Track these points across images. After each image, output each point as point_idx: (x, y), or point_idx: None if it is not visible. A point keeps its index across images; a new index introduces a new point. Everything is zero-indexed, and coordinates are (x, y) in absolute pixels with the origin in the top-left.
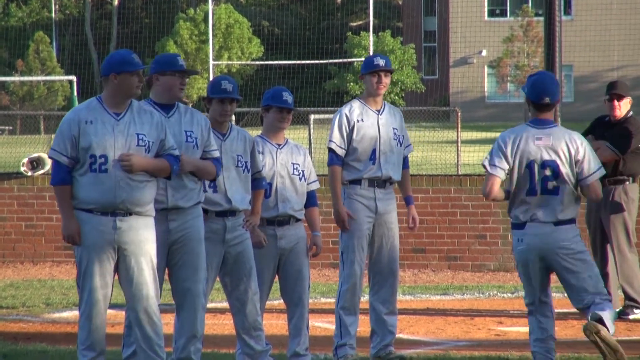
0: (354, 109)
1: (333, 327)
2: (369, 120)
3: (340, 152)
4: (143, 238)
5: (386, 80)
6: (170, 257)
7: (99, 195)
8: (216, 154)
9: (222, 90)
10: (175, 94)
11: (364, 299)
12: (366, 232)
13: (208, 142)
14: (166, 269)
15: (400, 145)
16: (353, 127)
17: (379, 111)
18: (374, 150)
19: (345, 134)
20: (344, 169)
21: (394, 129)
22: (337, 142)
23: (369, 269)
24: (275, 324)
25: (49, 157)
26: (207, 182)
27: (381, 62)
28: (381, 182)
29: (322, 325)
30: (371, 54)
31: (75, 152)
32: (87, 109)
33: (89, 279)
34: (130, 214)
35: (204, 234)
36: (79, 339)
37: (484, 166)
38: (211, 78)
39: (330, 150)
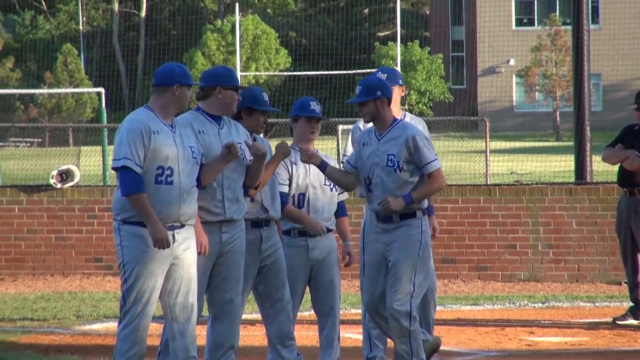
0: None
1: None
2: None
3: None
4: (192, 247)
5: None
6: (214, 269)
7: (164, 208)
8: None
9: (265, 102)
10: (232, 109)
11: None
12: None
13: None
14: None
15: None
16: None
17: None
18: None
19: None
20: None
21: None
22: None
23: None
24: (305, 335)
25: (121, 167)
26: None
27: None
28: None
29: (353, 336)
30: (398, 64)
31: (143, 162)
32: (147, 118)
33: (145, 294)
34: (183, 226)
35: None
36: (120, 350)
37: (438, 166)
38: None
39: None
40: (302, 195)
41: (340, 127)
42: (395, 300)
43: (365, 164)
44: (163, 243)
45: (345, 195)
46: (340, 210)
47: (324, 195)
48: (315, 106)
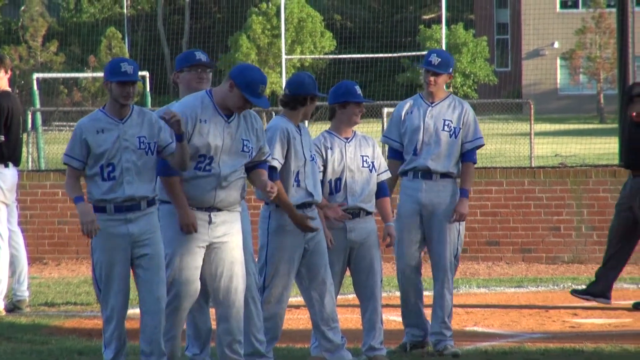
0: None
1: None
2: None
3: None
4: (233, 231)
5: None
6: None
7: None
8: (272, 162)
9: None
10: (195, 89)
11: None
12: None
13: (263, 149)
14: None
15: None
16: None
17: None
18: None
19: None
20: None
21: (444, 120)
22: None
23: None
24: (350, 318)
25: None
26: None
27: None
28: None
29: (397, 319)
30: (443, 46)
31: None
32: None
33: (181, 274)
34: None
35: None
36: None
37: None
38: (284, 72)
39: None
40: (338, 180)
41: (385, 110)
42: None
43: None
44: (188, 228)
45: (386, 175)
46: (382, 191)
47: (362, 177)
48: (360, 90)
